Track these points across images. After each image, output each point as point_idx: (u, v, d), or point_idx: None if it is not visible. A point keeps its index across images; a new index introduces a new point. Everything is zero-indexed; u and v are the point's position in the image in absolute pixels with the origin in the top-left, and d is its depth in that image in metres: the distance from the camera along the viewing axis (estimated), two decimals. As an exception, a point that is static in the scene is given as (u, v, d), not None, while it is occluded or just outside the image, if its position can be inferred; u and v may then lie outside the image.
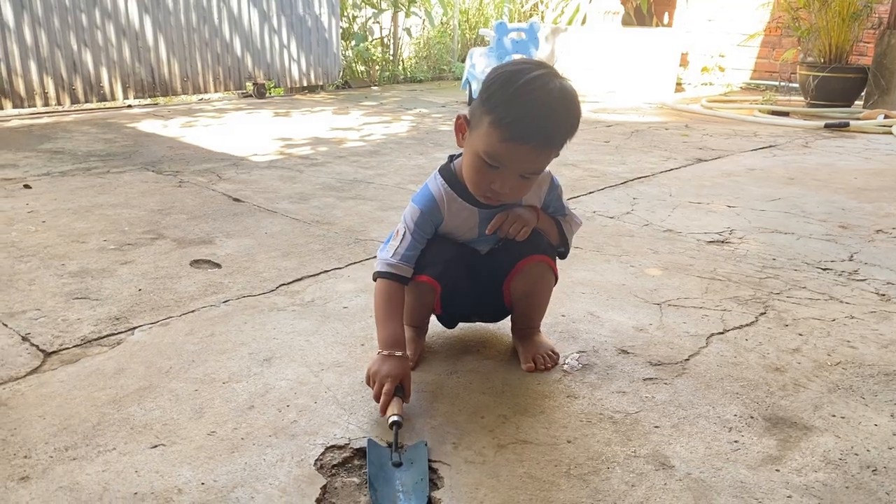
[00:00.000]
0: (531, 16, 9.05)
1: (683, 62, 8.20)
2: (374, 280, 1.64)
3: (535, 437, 1.42)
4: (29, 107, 5.07)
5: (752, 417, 1.50)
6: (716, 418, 1.50)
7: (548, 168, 1.59)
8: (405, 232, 1.62)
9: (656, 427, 1.46)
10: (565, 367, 1.71)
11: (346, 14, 7.74)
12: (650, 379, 1.66)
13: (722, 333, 1.91)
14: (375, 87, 7.67)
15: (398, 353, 1.52)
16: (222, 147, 4.26)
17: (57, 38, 5.08)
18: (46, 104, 5.11)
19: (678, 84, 7.77)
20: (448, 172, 1.62)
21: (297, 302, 2.05)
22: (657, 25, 8.53)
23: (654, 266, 2.40)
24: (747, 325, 1.97)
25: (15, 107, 5.00)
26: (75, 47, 5.19)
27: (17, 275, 2.21)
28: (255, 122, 5.26)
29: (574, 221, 1.76)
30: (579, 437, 1.42)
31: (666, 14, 8.70)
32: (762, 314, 2.04)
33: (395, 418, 1.39)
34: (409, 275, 1.61)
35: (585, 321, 1.97)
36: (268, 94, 6.56)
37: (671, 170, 3.87)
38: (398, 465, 1.31)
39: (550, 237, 1.70)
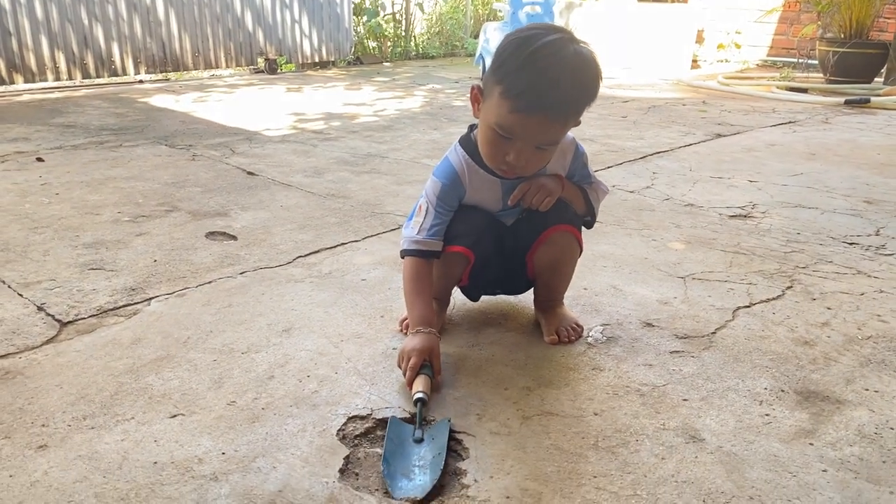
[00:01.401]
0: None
1: (699, 39, 8.07)
2: (402, 258, 1.60)
3: (561, 409, 1.38)
4: (40, 81, 5.04)
5: (782, 391, 1.47)
6: (746, 391, 1.46)
7: (571, 134, 1.54)
8: (428, 207, 1.58)
9: (685, 400, 1.43)
10: (589, 339, 1.67)
11: (357, -12, 7.65)
12: (677, 352, 1.62)
13: (748, 307, 1.87)
14: (387, 64, 7.60)
15: (427, 330, 1.49)
16: (235, 122, 4.22)
17: (68, 13, 5.04)
18: (58, 79, 5.08)
19: (694, 61, 7.65)
20: (469, 143, 1.57)
21: (315, 274, 2.02)
22: (673, 1, 8.40)
23: (677, 240, 2.35)
24: (774, 298, 1.92)
25: (26, 81, 4.97)
26: (86, 22, 5.14)
27: (31, 246, 2.18)
28: (268, 97, 5.22)
29: (600, 189, 1.71)
30: (606, 410, 1.39)
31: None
32: (789, 288, 1.99)
33: (420, 395, 1.36)
34: (437, 248, 1.57)
35: (608, 294, 1.93)
36: (279, 70, 6.50)
37: (690, 145, 3.81)
38: (419, 441, 1.28)
39: (576, 206, 1.65)
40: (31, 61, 4.93)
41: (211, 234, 2.33)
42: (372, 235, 2.35)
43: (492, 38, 5.86)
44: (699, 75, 6.95)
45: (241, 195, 2.77)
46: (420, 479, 1.18)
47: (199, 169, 3.15)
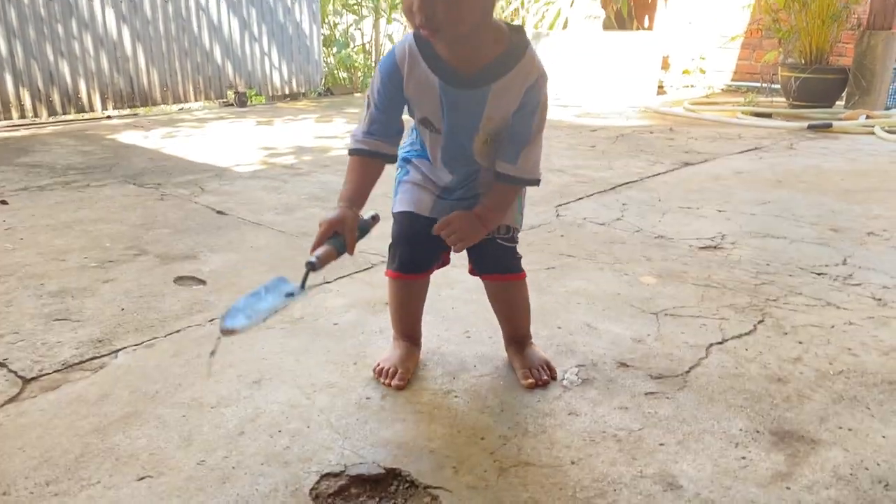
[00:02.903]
0: (512, 20, 9.04)
1: (665, 65, 8.21)
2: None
3: (538, 458, 1.37)
4: (5, 119, 4.96)
5: (757, 432, 1.47)
6: (721, 433, 1.46)
7: (545, 68, 1.45)
8: (368, 103, 1.51)
9: (661, 444, 1.42)
10: (564, 382, 1.67)
11: (326, 21, 7.68)
12: (652, 393, 1.62)
13: (721, 343, 1.88)
14: (358, 94, 7.62)
15: (345, 205, 1.45)
16: (205, 158, 4.19)
17: (33, 50, 4.98)
18: (23, 116, 5.01)
19: (660, 87, 7.78)
20: (421, 37, 1.42)
21: (286, 319, 1.99)
22: (638, 29, 8.55)
23: (649, 274, 2.37)
24: (746, 333, 1.93)
25: (-10, 120, 4.90)
26: (52, 58, 5.09)
27: (-7, 296, 2.13)
28: (238, 131, 5.19)
29: (536, 145, 1.51)
30: (583, 458, 1.37)
31: (646, 17, 8.71)
32: (760, 322, 2.01)
33: (312, 259, 1.34)
34: (383, 150, 1.51)
35: (582, 333, 1.92)
36: (249, 103, 6.48)
37: (659, 174, 3.85)
38: (290, 295, 1.30)
39: (506, 214, 1.58)
40: (-6, 100, 4.87)
41: (180, 279, 2.30)
42: (344, 276, 2.33)
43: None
44: (666, 101, 7.06)
45: (211, 236, 2.74)
46: (243, 320, 1.21)
47: (168, 209, 3.11)
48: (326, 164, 4.08)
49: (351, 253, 1.44)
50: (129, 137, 4.81)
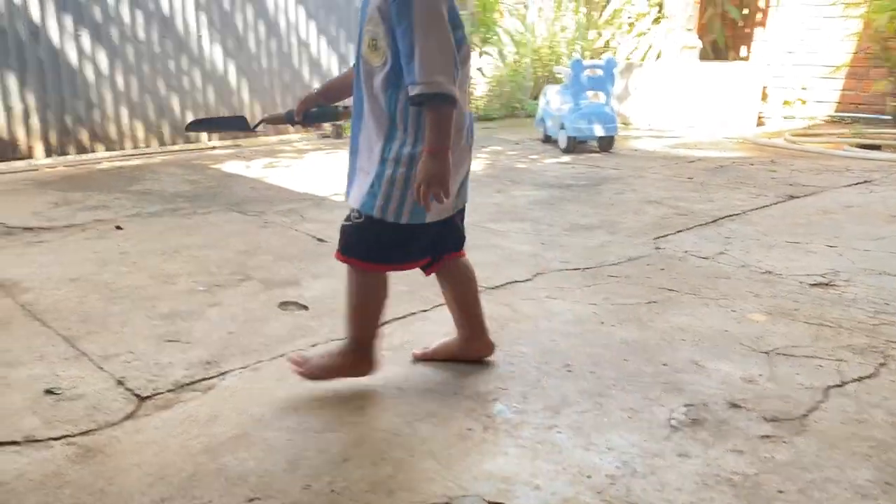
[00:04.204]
0: (602, 52, 9.00)
1: (763, 96, 7.96)
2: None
3: (648, 500, 1.32)
4: (119, 150, 5.27)
5: (888, 483, 1.37)
6: (847, 483, 1.37)
7: None
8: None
9: (780, 492, 1.34)
10: (673, 422, 1.60)
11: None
12: (767, 436, 1.54)
13: (840, 386, 1.77)
14: (448, 126, 7.71)
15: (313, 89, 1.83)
16: (304, 187, 4.31)
17: (147, 85, 5.29)
18: (136, 147, 5.31)
19: (759, 118, 7.54)
20: None
21: (387, 346, 2.01)
22: (735, 59, 8.34)
23: (757, 311, 2.27)
24: (867, 377, 1.82)
25: (107, 150, 5.20)
26: (164, 93, 5.39)
27: (110, 316, 2.24)
28: (334, 161, 5.33)
29: (424, 52, 1.44)
30: (696, 502, 1.31)
31: (743, 48, 8.50)
32: (882, 365, 1.88)
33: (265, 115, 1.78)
34: None
35: (690, 371, 1.85)
36: (344, 135, 6.65)
37: (762, 207, 3.71)
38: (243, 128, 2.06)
39: (446, 136, 1.50)
40: (112, 130, 5.17)
41: (283, 304, 2.36)
42: (441, 304, 2.33)
43: (552, 100, 5.89)
44: (765, 133, 6.83)
45: (312, 262, 2.80)
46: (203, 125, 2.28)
47: (270, 236, 3.21)
48: (420, 195, 4.13)
49: (294, 123, 1.88)
50: (232, 167, 5.01)
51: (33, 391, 1.74)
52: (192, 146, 5.66)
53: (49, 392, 1.72)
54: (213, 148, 5.86)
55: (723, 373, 1.84)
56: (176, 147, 5.57)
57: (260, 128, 1.82)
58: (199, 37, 5.52)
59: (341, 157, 5.52)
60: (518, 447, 1.50)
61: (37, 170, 4.82)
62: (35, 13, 4.71)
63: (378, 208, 1.60)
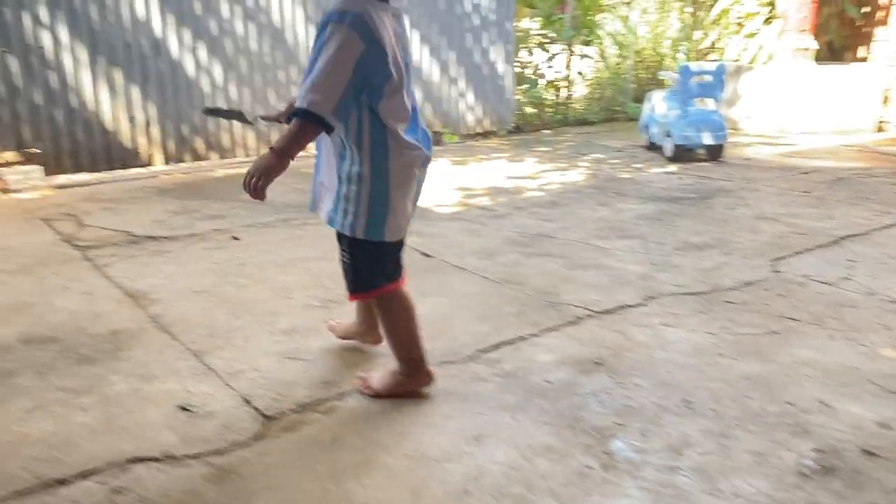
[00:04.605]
0: (708, 54, 8.71)
1: (884, 100, 7.51)
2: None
3: (782, 557, 1.27)
4: (231, 157, 5.50)
5: None
6: None
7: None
8: None
9: (927, 556, 1.27)
10: (803, 468, 1.54)
11: (518, 58, 7.82)
12: (908, 492, 1.46)
13: None
14: (547, 131, 7.65)
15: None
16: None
17: (258, 94, 5.50)
18: (247, 155, 5.53)
19: (879, 124, 7.12)
20: None
21: (498, 372, 2.02)
22: (852, 61, 7.91)
23: (890, 346, 2.15)
24: None
25: (220, 158, 5.44)
26: (273, 102, 5.59)
27: (234, 331, 2.35)
28: (435, 170, 5.37)
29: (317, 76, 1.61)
30: (835, 562, 1.26)
31: (862, 48, 8.03)
32: None
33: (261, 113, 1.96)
34: None
35: (817, 412, 1.77)
36: (444, 142, 6.72)
37: (888, 226, 3.50)
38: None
39: (290, 144, 1.68)
40: (225, 139, 5.40)
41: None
42: (551, 329, 2.33)
43: (658, 106, 5.75)
44: (886, 140, 6.45)
45: (421, 279, 2.83)
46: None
47: (378, 249, 3.27)
48: (521, 207, 4.12)
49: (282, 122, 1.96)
50: (337, 175, 5.14)
51: (168, 406, 1.84)
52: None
53: (183, 409, 1.82)
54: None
55: (854, 415, 1.75)
56: (284, 154, 5.75)
57: (261, 124, 2.05)
58: (308, 48, 5.69)
59: (442, 166, 5.58)
60: (640, 489, 1.48)
61: (155, 177, 5.08)
62: (157, 28, 4.98)
63: (349, 226, 1.78)
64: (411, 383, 1.88)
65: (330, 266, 3.01)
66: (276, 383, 1.97)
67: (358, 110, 1.67)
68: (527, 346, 2.20)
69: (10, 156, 4.53)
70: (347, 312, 2.50)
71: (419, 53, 6.38)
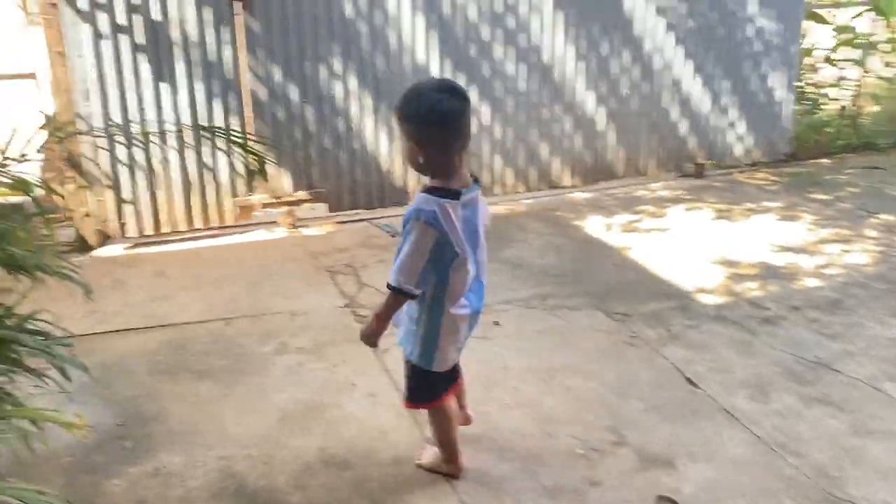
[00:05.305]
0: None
1: None
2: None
3: None
4: (489, 195, 5.63)
5: None
6: None
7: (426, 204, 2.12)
8: None
9: None
10: None
11: (800, 80, 7.09)
12: None
13: None
14: (825, 161, 6.91)
15: None
16: (668, 270, 4.22)
17: (520, 133, 5.56)
18: (504, 192, 5.64)
19: None
20: None
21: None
22: None
23: None
24: None
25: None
26: (534, 140, 5.62)
27: (504, 481, 2.44)
28: (696, 224, 5.10)
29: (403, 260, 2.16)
30: None
31: None
32: None
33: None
34: None
35: None
36: (704, 174, 6.35)
37: None
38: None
39: (380, 315, 2.26)
40: (485, 177, 5.52)
41: (660, 501, 2.35)
42: None
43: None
44: None
45: (687, 426, 2.73)
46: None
47: (639, 364, 3.20)
48: (797, 306, 3.78)
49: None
50: (593, 226, 5.07)
51: None
52: (552, 191, 5.84)
53: None
54: (573, 189, 5.96)
55: None
56: (539, 193, 5.78)
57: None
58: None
59: (703, 217, 5.30)
60: None
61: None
62: (435, 73, 5.18)
63: (408, 353, 2.32)
64: (445, 468, 2.46)
65: (587, 387, 3.04)
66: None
67: (431, 277, 2.19)
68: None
69: (301, 194, 5.04)
70: (610, 470, 2.40)
71: (690, 83, 6.05)
